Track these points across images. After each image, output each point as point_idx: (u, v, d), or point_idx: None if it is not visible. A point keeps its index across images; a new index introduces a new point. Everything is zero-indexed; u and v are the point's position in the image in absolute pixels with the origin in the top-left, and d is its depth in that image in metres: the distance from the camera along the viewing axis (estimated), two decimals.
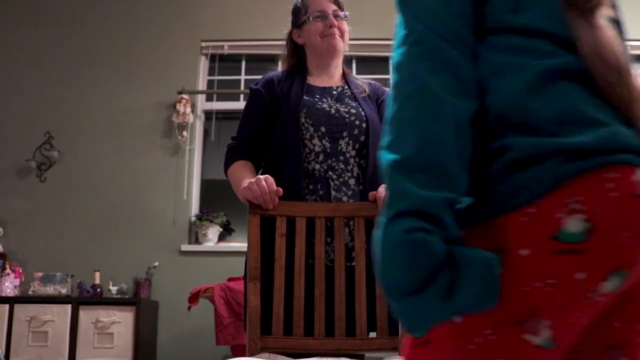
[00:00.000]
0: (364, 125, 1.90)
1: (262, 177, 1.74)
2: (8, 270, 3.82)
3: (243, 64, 4.60)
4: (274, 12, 4.54)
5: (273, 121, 1.92)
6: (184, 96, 4.25)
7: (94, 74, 4.45)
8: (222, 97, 4.52)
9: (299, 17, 2.03)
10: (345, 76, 2.07)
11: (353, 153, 1.88)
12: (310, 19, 1.98)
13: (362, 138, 1.89)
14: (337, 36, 1.98)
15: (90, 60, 4.47)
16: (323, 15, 1.98)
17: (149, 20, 4.55)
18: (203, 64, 4.56)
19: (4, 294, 3.73)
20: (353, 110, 1.92)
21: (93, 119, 4.36)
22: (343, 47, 2.02)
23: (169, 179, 4.24)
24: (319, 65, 2.03)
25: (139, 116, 4.35)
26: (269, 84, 1.99)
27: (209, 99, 4.53)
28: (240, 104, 4.47)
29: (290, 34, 2.06)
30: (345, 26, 2.01)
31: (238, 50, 4.58)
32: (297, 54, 2.08)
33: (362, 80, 2.07)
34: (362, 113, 1.92)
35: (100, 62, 4.47)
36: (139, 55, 4.48)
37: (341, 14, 2.00)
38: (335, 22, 1.97)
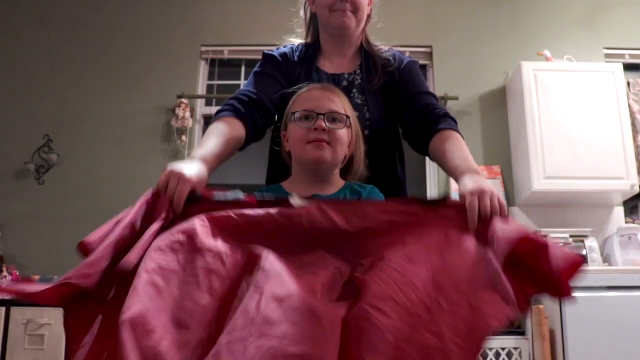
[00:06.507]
0: (366, 132, 1.66)
1: (185, 171, 1.28)
2: (5, 273, 3.82)
3: (243, 69, 4.61)
4: (274, 17, 4.56)
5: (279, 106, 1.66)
6: (184, 101, 4.26)
7: (94, 78, 4.45)
8: (221, 102, 4.50)
9: None
10: (364, 53, 1.77)
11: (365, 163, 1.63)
12: None
13: (364, 148, 1.63)
14: (348, 13, 1.67)
15: (91, 64, 4.48)
16: None
17: (149, 25, 4.56)
18: (203, 68, 4.57)
19: (0, 297, 3.72)
20: (356, 113, 1.64)
21: (92, 123, 4.36)
22: (356, 25, 1.71)
23: None
24: (330, 44, 1.77)
25: (138, 120, 4.35)
26: (286, 57, 1.75)
27: (209, 103, 4.54)
28: None
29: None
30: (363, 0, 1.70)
31: (238, 56, 4.59)
32: (313, 24, 1.81)
33: (385, 56, 1.77)
34: (366, 116, 1.68)
35: (100, 66, 4.48)
36: (139, 60, 4.48)
37: None
38: None
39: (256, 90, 1.65)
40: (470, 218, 1.21)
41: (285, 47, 1.82)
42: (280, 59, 1.75)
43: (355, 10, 1.69)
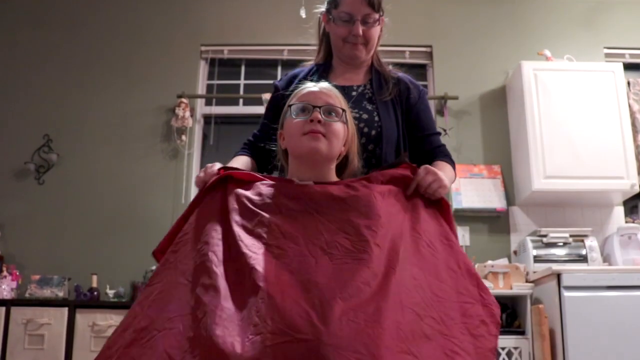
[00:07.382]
0: (373, 132, 1.72)
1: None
2: (5, 273, 3.81)
3: (243, 68, 4.61)
4: (273, 17, 4.57)
5: None
6: (184, 100, 4.26)
7: (93, 78, 4.45)
8: (221, 102, 4.52)
9: (330, 4, 1.83)
10: (374, 71, 1.85)
11: (360, 163, 1.67)
12: (335, 20, 1.79)
13: (371, 147, 1.71)
14: (360, 46, 1.78)
15: (90, 63, 4.48)
16: (350, 20, 1.76)
17: (149, 25, 4.56)
18: (203, 68, 4.57)
19: (0, 297, 3.72)
20: (365, 116, 1.74)
21: (92, 122, 4.36)
22: (367, 54, 1.82)
23: (168, 183, 4.24)
24: (341, 65, 1.87)
25: (138, 120, 4.35)
26: (290, 81, 1.85)
27: (209, 103, 4.54)
28: (239, 109, 4.48)
29: (321, 16, 1.88)
30: (375, 32, 1.80)
31: (238, 55, 4.59)
32: (325, 41, 1.90)
33: (395, 75, 1.86)
34: (376, 119, 1.74)
35: (100, 65, 4.48)
36: (138, 59, 4.48)
37: (371, 19, 1.77)
38: (360, 32, 1.76)
39: (260, 133, 1.86)
40: (413, 183, 1.52)
41: (295, 69, 1.93)
42: (281, 88, 1.83)
43: (367, 42, 1.80)
